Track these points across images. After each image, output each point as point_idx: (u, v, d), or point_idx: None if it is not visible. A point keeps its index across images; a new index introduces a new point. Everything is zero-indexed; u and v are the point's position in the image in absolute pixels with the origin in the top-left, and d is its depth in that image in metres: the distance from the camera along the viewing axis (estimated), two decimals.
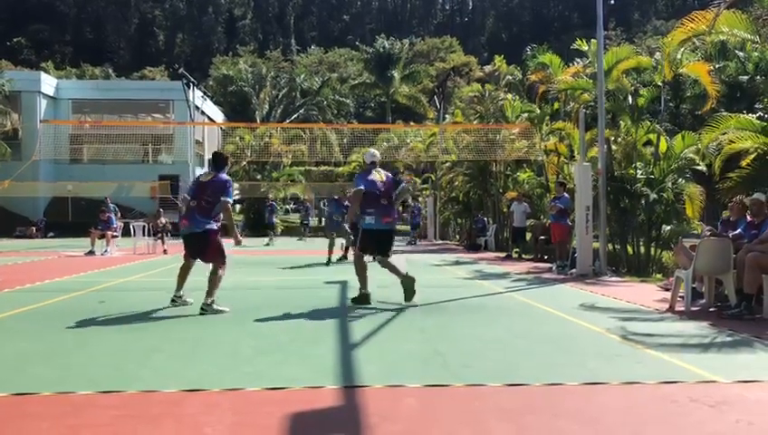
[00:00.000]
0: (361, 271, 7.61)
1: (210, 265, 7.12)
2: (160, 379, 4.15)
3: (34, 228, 32.04)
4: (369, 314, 6.80)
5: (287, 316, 6.71)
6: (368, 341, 5.44)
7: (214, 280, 6.98)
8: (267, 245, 22.00)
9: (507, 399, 3.81)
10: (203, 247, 7.11)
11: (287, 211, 39.59)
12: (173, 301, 7.23)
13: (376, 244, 7.61)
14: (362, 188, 7.48)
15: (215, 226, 7.05)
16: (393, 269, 7.60)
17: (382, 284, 8.32)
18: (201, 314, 6.70)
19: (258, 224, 32.50)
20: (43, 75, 39.01)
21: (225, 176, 7.23)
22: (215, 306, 6.83)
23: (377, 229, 7.53)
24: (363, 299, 7.53)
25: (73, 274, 11.46)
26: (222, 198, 6.96)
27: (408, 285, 7.51)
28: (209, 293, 6.91)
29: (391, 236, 7.82)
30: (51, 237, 30.29)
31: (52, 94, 37.21)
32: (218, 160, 7.46)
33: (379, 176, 7.69)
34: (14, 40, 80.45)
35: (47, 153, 29.38)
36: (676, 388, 3.98)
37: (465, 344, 5.31)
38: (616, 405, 3.70)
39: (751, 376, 4.25)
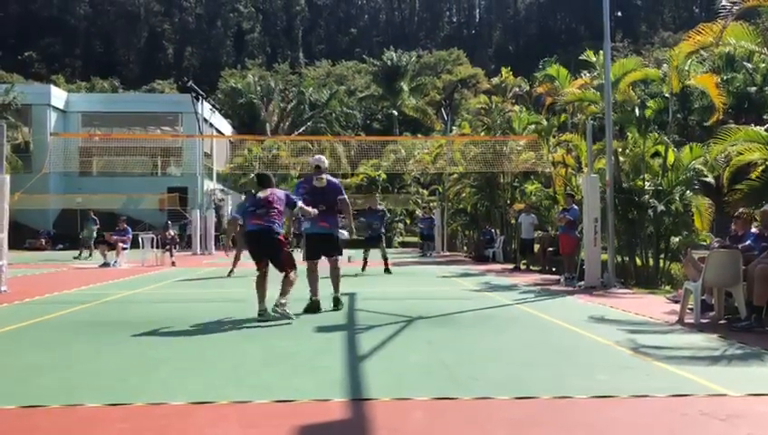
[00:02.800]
0: (312, 279, 7.91)
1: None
2: (167, 391, 4.15)
3: (44, 240, 32.23)
4: (375, 325, 6.78)
5: (294, 328, 6.70)
6: (375, 353, 5.43)
7: (289, 283, 7.38)
8: None
9: (515, 412, 3.78)
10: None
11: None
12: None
13: (318, 246, 7.96)
14: (299, 198, 7.76)
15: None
16: (335, 280, 7.99)
17: (385, 296, 8.30)
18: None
19: None
20: (53, 88, 39.36)
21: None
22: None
23: (314, 233, 7.95)
24: (314, 307, 7.77)
25: (82, 286, 11.51)
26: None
27: (337, 304, 7.88)
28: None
29: (330, 239, 8.01)
30: (60, 249, 30.44)
31: (62, 107, 37.52)
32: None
33: (319, 183, 7.95)
34: (26, 54, 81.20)
35: (57, 166, 29.56)
36: (686, 401, 3.95)
37: (473, 357, 5.29)
38: (625, 418, 3.67)
39: (762, 389, 4.21)
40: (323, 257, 7.97)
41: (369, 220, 15.04)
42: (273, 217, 7.25)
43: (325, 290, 7.95)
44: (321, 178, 7.93)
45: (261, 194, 7.42)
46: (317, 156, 8.31)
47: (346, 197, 8.28)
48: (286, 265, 7.29)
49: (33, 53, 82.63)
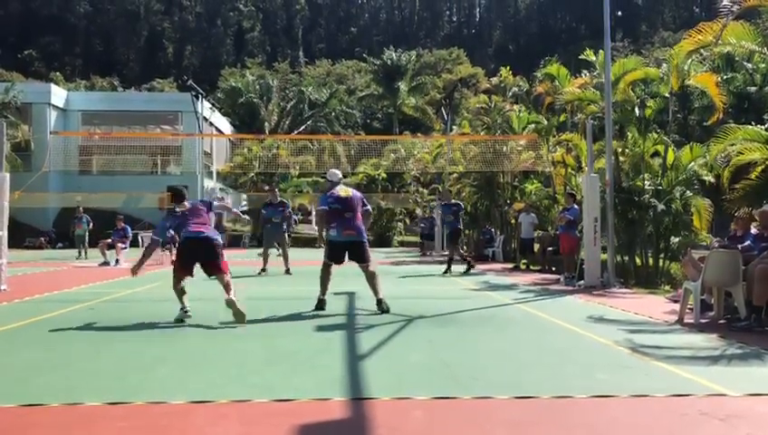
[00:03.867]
0: (324, 279, 8.09)
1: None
2: (167, 390, 4.15)
3: (43, 239, 32.22)
4: (376, 324, 6.78)
5: (294, 326, 6.71)
6: (375, 352, 5.43)
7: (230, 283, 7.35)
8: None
9: (515, 411, 3.79)
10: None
11: (295, 222, 39.62)
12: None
13: (345, 254, 8.07)
14: (325, 208, 8.05)
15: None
16: (374, 285, 7.99)
17: (389, 295, 8.30)
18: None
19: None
20: (53, 87, 39.33)
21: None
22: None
23: (340, 241, 8.01)
24: (319, 305, 7.96)
25: (82, 284, 11.51)
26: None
27: (381, 307, 7.80)
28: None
29: (360, 247, 8.07)
30: (60, 248, 30.43)
31: (62, 106, 37.50)
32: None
33: (344, 192, 8.16)
34: (26, 52, 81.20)
35: (57, 164, 29.56)
36: (685, 401, 3.95)
37: (473, 356, 5.29)
38: (625, 418, 3.68)
39: (761, 389, 4.22)
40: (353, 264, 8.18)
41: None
42: (208, 225, 7.47)
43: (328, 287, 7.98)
44: (346, 190, 8.23)
45: (188, 204, 7.49)
46: (334, 170, 8.62)
47: (370, 208, 8.65)
48: (223, 271, 7.28)
49: (34, 51, 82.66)
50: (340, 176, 8.55)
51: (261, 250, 14.70)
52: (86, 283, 11.83)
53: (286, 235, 14.84)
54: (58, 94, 37.96)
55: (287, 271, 14.01)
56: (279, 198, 14.74)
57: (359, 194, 8.41)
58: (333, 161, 37.90)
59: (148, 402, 3.87)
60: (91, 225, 21.49)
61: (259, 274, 13.77)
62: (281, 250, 14.80)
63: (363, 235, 8.13)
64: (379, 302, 7.82)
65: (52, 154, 28.51)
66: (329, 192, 8.24)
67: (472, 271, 14.46)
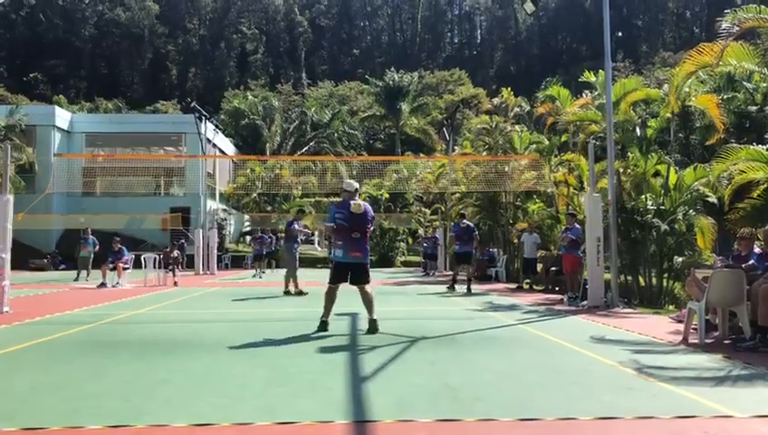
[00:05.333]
0: (329, 301, 7.98)
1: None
2: (170, 412, 4.13)
3: (46, 260, 32.23)
4: (378, 346, 6.76)
5: (296, 348, 6.68)
6: (378, 373, 5.40)
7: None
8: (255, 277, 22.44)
9: (519, 433, 3.76)
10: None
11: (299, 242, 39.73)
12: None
13: (348, 275, 7.95)
14: (332, 225, 7.91)
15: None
16: (369, 305, 7.91)
17: (392, 316, 8.28)
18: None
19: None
20: (58, 109, 39.60)
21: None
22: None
23: (346, 262, 7.90)
24: (322, 327, 7.88)
25: (84, 306, 11.49)
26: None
27: (373, 327, 7.79)
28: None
29: (363, 269, 8.01)
30: (63, 270, 30.44)
31: (66, 128, 37.75)
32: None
33: (356, 207, 7.92)
34: (31, 75, 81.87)
35: (60, 186, 29.73)
36: (691, 423, 3.92)
37: (477, 377, 5.26)
38: None
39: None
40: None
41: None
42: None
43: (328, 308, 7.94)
44: (359, 205, 7.97)
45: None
46: (349, 181, 8.35)
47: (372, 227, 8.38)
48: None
49: (39, 74, 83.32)
50: (356, 187, 8.25)
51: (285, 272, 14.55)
52: (87, 304, 11.81)
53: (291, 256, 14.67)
54: (62, 116, 38.23)
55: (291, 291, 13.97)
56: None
57: (371, 211, 8.18)
58: (336, 182, 38.02)
59: (151, 425, 3.85)
60: (98, 247, 21.34)
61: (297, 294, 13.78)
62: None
63: (368, 256, 8.08)
64: (372, 322, 7.81)
65: (56, 176, 28.67)
66: (341, 204, 8.05)
67: (450, 293, 14.82)
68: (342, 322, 8.96)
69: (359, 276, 7.94)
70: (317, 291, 14.43)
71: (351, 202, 7.94)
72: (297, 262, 14.40)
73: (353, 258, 7.87)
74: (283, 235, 14.49)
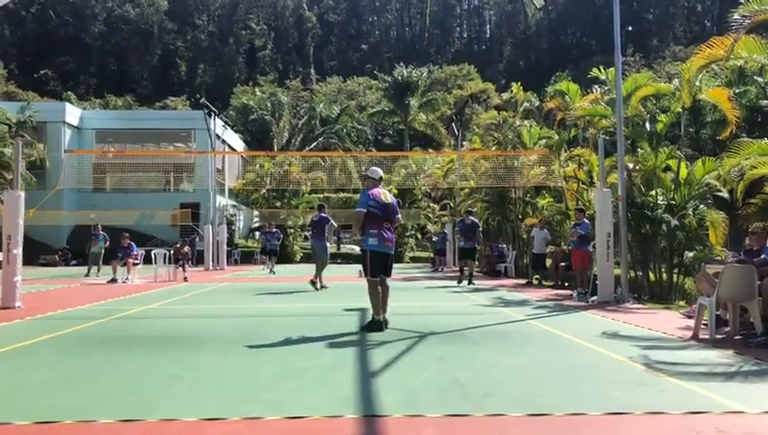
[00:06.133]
0: (375, 297, 7.56)
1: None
2: (180, 407, 4.15)
3: (57, 256, 32.46)
4: (387, 341, 6.76)
5: (305, 343, 6.70)
6: (387, 369, 5.41)
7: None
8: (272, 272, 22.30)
9: (529, 429, 3.76)
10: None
11: (306, 238, 39.78)
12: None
13: (383, 266, 7.61)
14: (363, 210, 7.50)
15: None
16: (386, 299, 7.64)
17: (401, 311, 8.29)
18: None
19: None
20: (68, 106, 39.84)
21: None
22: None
23: (381, 252, 7.55)
24: (376, 326, 7.46)
25: (95, 302, 11.57)
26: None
27: (376, 325, 7.49)
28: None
29: (391, 259, 7.81)
30: (74, 265, 30.64)
31: (76, 124, 37.95)
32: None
33: (385, 197, 7.68)
34: (41, 72, 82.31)
35: (71, 182, 29.88)
36: (702, 418, 3.91)
37: (486, 373, 5.26)
38: None
39: None
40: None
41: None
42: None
43: (334, 301, 7.94)
44: (386, 193, 7.73)
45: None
46: (374, 167, 7.99)
47: (400, 217, 8.08)
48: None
49: (49, 70, 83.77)
50: (381, 174, 7.93)
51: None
52: (98, 300, 11.89)
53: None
54: (72, 113, 38.44)
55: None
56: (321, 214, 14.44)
57: (395, 201, 7.94)
58: (344, 178, 38.06)
59: (162, 420, 3.87)
60: (108, 243, 21.39)
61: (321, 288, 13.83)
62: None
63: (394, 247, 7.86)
64: (384, 320, 7.62)
65: (67, 172, 28.83)
66: (369, 191, 7.65)
67: (458, 287, 15.20)
68: (351, 317, 8.98)
69: (388, 268, 7.70)
70: (333, 286, 14.50)
71: (380, 190, 7.68)
72: (328, 256, 14.39)
73: (387, 248, 7.59)
74: (312, 228, 14.32)
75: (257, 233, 38.89)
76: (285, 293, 13.64)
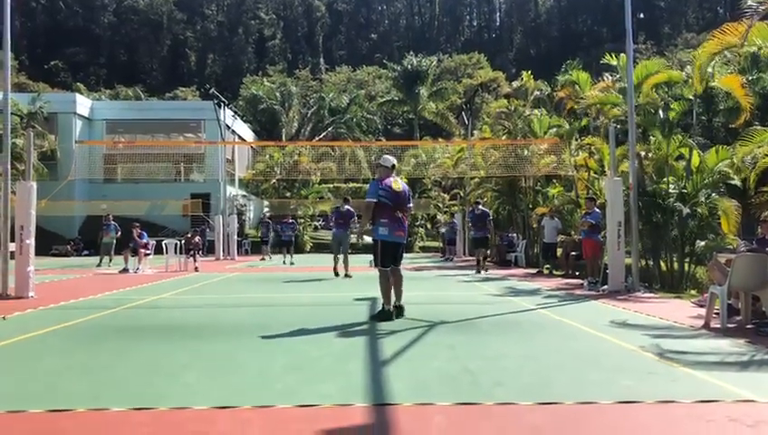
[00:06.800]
0: (386, 287, 7.57)
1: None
2: (191, 396, 4.19)
3: (69, 246, 32.69)
4: (397, 330, 6.78)
5: (316, 332, 6.72)
6: (397, 358, 5.42)
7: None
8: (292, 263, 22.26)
9: (539, 417, 3.76)
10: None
11: (316, 228, 39.85)
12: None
13: (393, 256, 7.60)
14: (374, 200, 7.48)
15: None
16: (400, 288, 7.69)
17: (411, 301, 8.30)
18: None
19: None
20: (79, 97, 39.94)
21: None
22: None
23: (392, 241, 7.53)
24: (385, 315, 7.49)
25: (106, 291, 11.65)
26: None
27: (400, 312, 7.62)
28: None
29: (402, 249, 7.81)
30: (86, 255, 30.85)
31: (87, 115, 38.08)
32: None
33: (397, 185, 7.62)
34: (52, 63, 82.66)
35: (82, 173, 30.06)
36: (713, 407, 3.89)
37: (496, 362, 5.26)
38: (651, 424, 3.63)
39: None
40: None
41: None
42: None
43: (343, 290, 7.95)
44: (398, 182, 7.68)
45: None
46: (386, 156, 7.87)
47: (412, 206, 8.03)
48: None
49: (59, 61, 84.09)
50: (394, 162, 7.79)
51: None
52: (110, 290, 11.97)
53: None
54: (83, 104, 38.56)
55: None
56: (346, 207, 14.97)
57: (408, 189, 7.87)
58: (354, 167, 38.02)
59: (173, 408, 3.90)
60: (119, 233, 21.52)
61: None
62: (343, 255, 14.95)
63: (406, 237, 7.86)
64: (400, 308, 7.69)
65: (78, 163, 28.99)
66: (381, 180, 7.58)
67: (479, 274, 15.79)
68: (362, 307, 9.00)
69: (400, 257, 7.72)
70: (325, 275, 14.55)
71: (392, 179, 7.61)
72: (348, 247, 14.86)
73: (398, 238, 7.57)
74: (337, 220, 14.76)
75: (268, 223, 38.92)
76: (297, 282, 13.69)
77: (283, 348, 5.92)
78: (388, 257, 7.55)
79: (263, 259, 25.56)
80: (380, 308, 7.67)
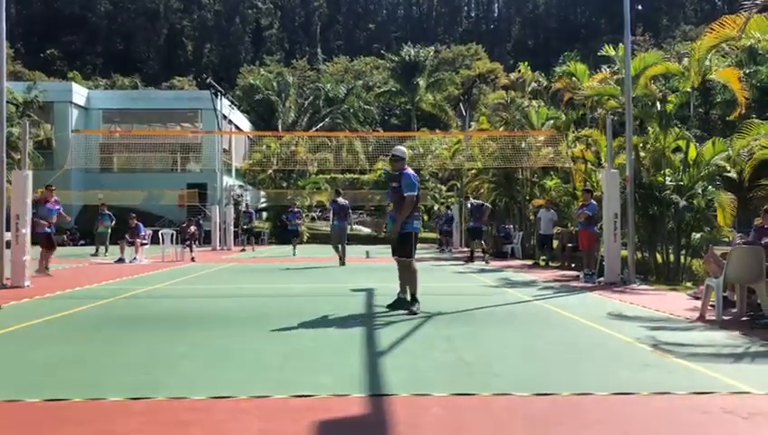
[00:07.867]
0: (417, 277, 7.78)
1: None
2: (189, 385, 4.19)
3: (65, 236, 32.61)
4: (395, 321, 6.79)
5: (314, 323, 6.73)
6: (394, 349, 5.43)
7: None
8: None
9: (535, 408, 3.77)
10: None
11: (313, 219, 39.80)
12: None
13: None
14: (417, 193, 7.50)
15: None
16: (405, 278, 7.82)
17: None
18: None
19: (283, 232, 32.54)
20: (75, 86, 39.80)
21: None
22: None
23: (418, 230, 7.83)
24: (411, 305, 7.56)
25: (102, 281, 11.64)
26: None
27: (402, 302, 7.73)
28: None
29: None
30: (82, 245, 30.80)
31: (83, 104, 37.94)
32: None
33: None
34: (48, 51, 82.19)
35: (78, 162, 29.94)
36: (708, 399, 3.91)
37: (492, 353, 5.28)
38: (646, 416, 3.65)
39: None
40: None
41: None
42: None
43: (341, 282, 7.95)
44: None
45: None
46: (400, 147, 7.80)
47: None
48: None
49: (55, 50, 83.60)
50: (406, 152, 7.79)
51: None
52: (106, 280, 11.96)
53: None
54: (79, 93, 38.40)
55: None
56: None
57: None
58: (351, 158, 37.96)
59: (170, 398, 3.91)
60: (114, 222, 21.49)
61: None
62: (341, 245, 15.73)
63: None
64: (413, 297, 7.67)
65: (74, 152, 28.89)
66: (412, 172, 7.53)
67: (467, 265, 16.17)
68: (359, 297, 9.01)
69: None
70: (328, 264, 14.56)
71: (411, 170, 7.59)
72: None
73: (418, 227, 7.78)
74: (336, 211, 15.27)
75: (264, 214, 38.81)
76: (294, 271, 13.69)
77: (280, 338, 5.93)
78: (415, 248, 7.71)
79: (243, 250, 25.27)
80: (411, 298, 7.69)
